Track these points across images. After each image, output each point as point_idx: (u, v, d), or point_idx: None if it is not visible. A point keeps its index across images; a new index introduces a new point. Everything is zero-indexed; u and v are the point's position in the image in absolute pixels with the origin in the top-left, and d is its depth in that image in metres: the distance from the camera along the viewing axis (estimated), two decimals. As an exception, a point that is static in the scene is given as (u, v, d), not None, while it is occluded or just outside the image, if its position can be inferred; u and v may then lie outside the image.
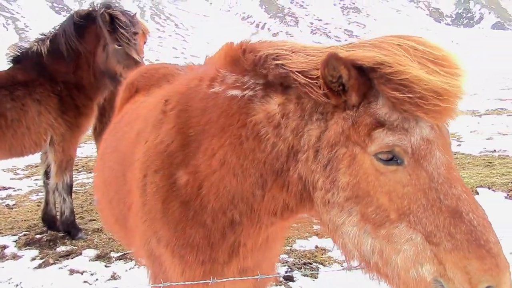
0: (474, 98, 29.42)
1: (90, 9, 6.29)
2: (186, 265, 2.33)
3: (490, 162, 10.06)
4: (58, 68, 6.19)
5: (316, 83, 1.83)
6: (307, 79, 1.85)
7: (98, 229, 6.66)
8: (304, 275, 5.14)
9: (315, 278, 5.13)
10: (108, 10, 6.09)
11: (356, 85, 1.74)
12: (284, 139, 1.98)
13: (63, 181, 6.49)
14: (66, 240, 6.33)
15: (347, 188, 1.78)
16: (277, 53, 2.00)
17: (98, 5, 6.27)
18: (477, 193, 7.67)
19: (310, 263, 5.49)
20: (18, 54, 6.39)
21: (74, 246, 6.13)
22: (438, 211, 1.63)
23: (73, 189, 8.99)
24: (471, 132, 14.72)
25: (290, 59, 1.94)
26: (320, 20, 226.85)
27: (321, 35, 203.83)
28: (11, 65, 6.40)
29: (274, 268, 2.85)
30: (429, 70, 1.66)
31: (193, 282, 2.34)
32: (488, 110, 21.71)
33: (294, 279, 5.07)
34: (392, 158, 1.69)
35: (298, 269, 5.28)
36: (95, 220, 7.08)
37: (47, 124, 6.15)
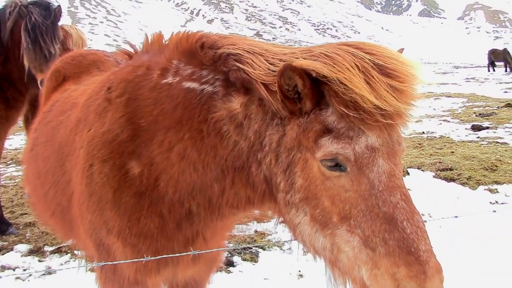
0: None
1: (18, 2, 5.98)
2: (139, 254, 2.30)
3: (420, 144, 10.53)
4: None
5: (276, 95, 1.84)
6: (267, 92, 1.87)
7: (30, 223, 6.40)
8: (244, 260, 5.20)
9: (255, 262, 5.20)
10: (29, 7, 5.83)
11: (310, 93, 1.78)
12: (246, 138, 2.00)
13: None
14: (-5, 236, 6.06)
15: (301, 190, 1.84)
16: (239, 54, 2.00)
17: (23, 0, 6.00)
18: (408, 174, 8.01)
19: (250, 248, 5.55)
20: None
21: (4, 241, 5.87)
22: (375, 217, 1.68)
23: (2, 182, 8.61)
24: (401, 115, 15.28)
25: (252, 65, 1.93)
26: (255, 7, 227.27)
27: (256, 22, 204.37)
28: None
29: (223, 246, 2.89)
30: (376, 86, 1.70)
31: (126, 261, 2.31)
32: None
33: (235, 264, 5.11)
34: (336, 165, 1.74)
35: (238, 253, 5.33)
36: (26, 214, 6.80)
37: None
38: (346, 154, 1.72)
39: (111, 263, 2.38)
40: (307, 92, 1.77)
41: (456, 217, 2.96)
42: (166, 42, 2.40)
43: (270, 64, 1.93)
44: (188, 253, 2.33)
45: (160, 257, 2.29)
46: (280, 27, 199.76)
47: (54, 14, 5.99)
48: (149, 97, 2.24)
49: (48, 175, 2.92)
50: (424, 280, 1.58)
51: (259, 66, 1.92)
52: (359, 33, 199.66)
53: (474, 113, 15.18)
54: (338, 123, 1.75)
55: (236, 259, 5.17)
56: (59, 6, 6.19)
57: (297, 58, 1.85)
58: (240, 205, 2.16)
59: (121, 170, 2.25)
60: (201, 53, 2.12)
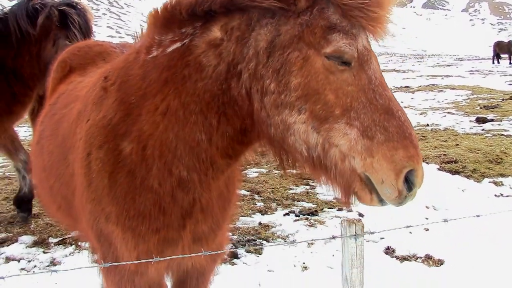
0: (407, 75, 30.45)
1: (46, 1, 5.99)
2: (139, 236, 2.29)
3: (424, 136, 10.49)
4: None
5: None
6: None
7: (34, 214, 6.41)
8: (248, 252, 5.19)
9: (259, 254, 5.19)
10: (62, 8, 5.83)
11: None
12: (226, 55, 1.99)
13: (20, 160, 6.25)
14: (0, 227, 6.06)
15: (298, 88, 1.87)
16: None
17: (57, 1, 6.04)
18: (412, 166, 7.98)
19: (254, 240, 5.54)
20: None
21: (9, 233, 5.88)
22: (374, 108, 1.82)
23: (8, 174, 8.63)
24: (405, 107, 15.25)
25: None
26: None
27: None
28: None
29: (226, 240, 2.85)
30: None
31: (139, 261, 2.31)
32: (420, 86, 22.56)
33: (239, 256, 5.11)
34: (342, 60, 1.84)
35: (242, 246, 5.33)
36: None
37: None
38: (352, 50, 1.84)
39: (123, 263, 2.37)
40: None
41: (478, 216, 2.96)
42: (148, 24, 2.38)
43: None
44: (199, 253, 2.33)
45: (169, 258, 2.28)
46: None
47: (86, 15, 6.09)
48: (138, 74, 2.24)
49: (53, 168, 2.91)
50: (418, 161, 1.81)
51: None
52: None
53: (479, 105, 15.10)
54: (341, 21, 1.85)
55: (240, 251, 5.17)
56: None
57: None
58: (230, 148, 2.14)
59: (114, 152, 2.24)
60: (177, 12, 2.10)
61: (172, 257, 2.27)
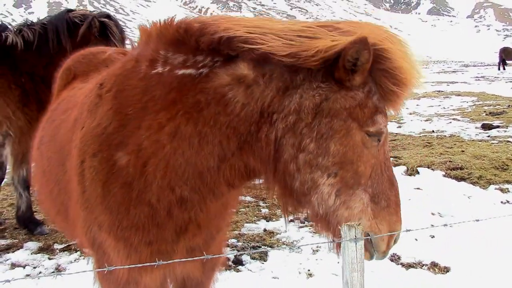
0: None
1: (86, 12, 6.09)
2: (131, 247, 2.27)
3: (429, 143, 10.45)
4: (27, 59, 5.84)
5: (313, 62, 1.93)
6: (302, 61, 1.93)
7: (40, 220, 6.42)
8: (253, 258, 5.18)
9: (264, 261, 5.17)
10: (103, 19, 5.93)
11: (366, 70, 1.95)
12: (260, 98, 2.01)
13: (19, 175, 6.14)
14: (5, 234, 6.08)
15: (336, 155, 1.99)
16: (243, 36, 1.99)
17: (96, 12, 6.13)
18: (418, 173, 7.95)
19: (259, 247, 5.53)
20: None
21: (14, 239, 5.90)
22: (383, 179, 2.07)
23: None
24: (410, 114, 15.25)
25: (267, 43, 1.96)
26: (263, 5, 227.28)
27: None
28: None
29: (221, 250, 2.85)
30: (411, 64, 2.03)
31: (139, 265, 2.29)
32: (426, 92, 22.48)
33: (244, 262, 5.10)
34: (378, 137, 2.04)
35: (247, 252, 5.31)
36: (36, 212, 6.82)
37: (3, 116, 5.77)
38: (384, 129, 2.06)
39: (122, 267, 2.36)
40: (365, 67, 1.94)
41: (478, 220, 2.98)
42: (151, 34, 2.36)
43: (289, 40, 1.97)
44: (189, 259, 2.31)
45: (172, 261, 2.27)
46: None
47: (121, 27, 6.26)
48: (138, 86, 2.21)
49: (52, 174, 2.92)
50: (400, 224, 2.13)
51: (274, 43, 1.97)
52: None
53: (484, 111, 15.04)
54: (380, 102, 2.04)
55: (245, 258, 5.15)
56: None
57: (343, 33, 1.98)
58: (236, 179, 2.18)
59: (108, 162, 2.22)
60: (193, 40, 2.11)
61: (161, 262, 2.24)
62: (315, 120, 1.98)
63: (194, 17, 2.27)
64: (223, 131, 2.06)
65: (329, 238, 2.20)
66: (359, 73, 1.94)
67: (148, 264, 2.23)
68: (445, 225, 2.87)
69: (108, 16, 6.15)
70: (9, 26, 6.19)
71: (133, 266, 2.26)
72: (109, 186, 2.23)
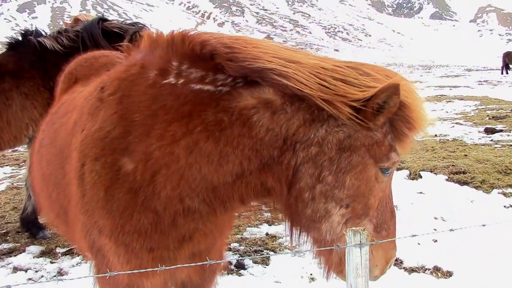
0: (415, 85, 30.29)
1: (123, 26, 6.21)
2: (132, 253, 2.26)
3: (432, 147, 10.43)
4: (58, 63, 5.90)
5: (345, 111, 2.00)
6: (332, 108, 2.00)
7: (42, 225, 6.43)
8: (256, 263, 5.17)
9: (266, 265, 5.16)
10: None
11: (391, 113, 2.05)
12: (284, 125, 2.05)
13: None
14: (8, 237, 6.09)
15: (351, 188, 2.08)
16: (278, 69, 2.01)
17: (134, 23, 6.36)
18: (420, 177, 7.94)
19: (261, 251, 5.52)
20: (18, 40, 6.08)
21: (17, 243, 5.90)
22: (386, 210, 2.22)
23: (15, 184, 8.68)
24: (413, 118, 15.14)
25: (300, 80, 2.00)
26: (266, 10, 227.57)
27: (266, 25, 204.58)
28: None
29: (223, 253, 2.84)
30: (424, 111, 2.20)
31: (139, 271, 2.28)
32: (428, 96, 22.48)
33: (246, 266, 5.09)
34: (388, 171, 2.16)
35: (249, 256, 5.30)
36: (38, 215, 6.83)
37: (30, 119, 5.79)
38: (396, 165, 2.20)
39: (122, 272, 2.33)
40: (390, 111, 2.04)
41: (484, 225, 2.98)
42: (157, 41, 2.36)
43: (323, 80, 2.01)
44: (191, 264, 2.31)
45: (174, 266, 2.26)
46: (291, 30, 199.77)
47: None
48: (147, 93, 2.20)
49: (51, 177, 2.90)
50: (395, 252, 2.30)
51: (308, 81, 2.00)
52: (370, 36, 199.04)
53: (487, 115, 15.01)
54: (393, 141, 2.15)
55: (247, 262, 5.14)
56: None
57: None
58: (249, 197, 2.20)
59: (113, 167, 2.21)
60: (219, 63, 2.11)
61: (163, 268, 2.23)
62: (336, 154, 2.05)
63: (210, 32, 2.29)
64: (245, 153, 2.08)
65: (324, 267, 2.36)
66: (383, 116, 2.04)
67: (150, 269, 2.23)
68: (451, 230, 2.83)
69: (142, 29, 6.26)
70: (43, 33, 6.31)
71: (135, 271, 2.25)
72: (113, 191, 2.21)
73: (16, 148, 12.49)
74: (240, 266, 5.05)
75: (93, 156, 2.26)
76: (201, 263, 2.30)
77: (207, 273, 2.75)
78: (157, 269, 2.21)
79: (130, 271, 2.25)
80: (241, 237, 5.86)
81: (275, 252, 5.48)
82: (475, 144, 10.63)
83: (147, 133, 2.16)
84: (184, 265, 2.32)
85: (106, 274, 2.19)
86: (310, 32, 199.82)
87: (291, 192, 2.12)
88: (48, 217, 3.41)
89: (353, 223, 2.10)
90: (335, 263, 2.23)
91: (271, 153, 2.08)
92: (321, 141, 2.04)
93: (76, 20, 6.67)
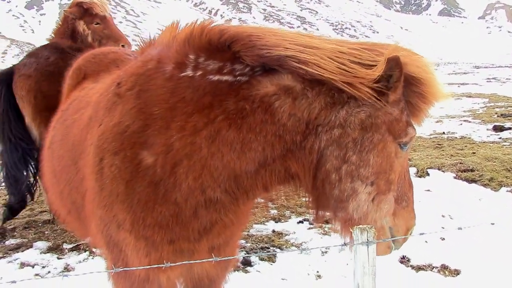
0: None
1: None
2: (153, 246, 2.28)
3: (440, 144, 10.38)
4: None
5: (366, 93, 2.04)
6: (352, 89, 2.03)
7: (49, 220, 6.46)
8: (262, 259, 5.16)
9: (273, 262, 5.15)
10: None
11: (398, 88, 2.07)
12: (306, 109, 2.07)
13: None
14: (15, 233, 6.12)
15: (375, 166, 2.12)
16: (294, 55, 2.04)
17: None
18: (428, 174, 7.89)
19: (268, 248, 5.51)
20: None
21: (24, 238, 5.93)
22: (405, 183, 2.29)
23: (22, 180, 8.70)
24: (421, 115, 15.06)
25: (320, 65, 2.02)
26: (273, 6, 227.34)
27: (274, 21, 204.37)
28: None
29: (236, 249, 2.86)
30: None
31: (150, 267, 2.29)
32: (436, 94, 22.25)
33: (252, 263, 5.08)
34: (406, 146, 2.20)
35: (255, 253, 5.29)
36: (46, 211, 6.86)
37: None
38: (412, 140, 2.25)
39: (134, 268, 2.36)
40: (397, 85, 2.05)
41: (493, 224, 2.94)
42: (174, 36, 2.37)
43: (341, 64, 2.04)
44: (208, 259, 2.32)
45: (178, 263, 2.27)
46: (298, 26, 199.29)
47: None
48: (165, 86, 2.22)
49: (63, 173, 2.92)
50: (415, 220, 2.37)
51: (328, 66, 2.03)
52: (377, 32, 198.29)
53: (496, 113, 14.91)
54: (409, 116, 2.19)
55: (253, 259, 5.13)
56: None
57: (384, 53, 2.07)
58: (273, 184, 2.22)
59: (133, 161, 2.22)
60: (237, 51, 2.12)
61: (181, 263, 2.25)
62: (359, 135, 2.08)
63: (225, 24, 2.30)
64: (268, 139, 2.10)
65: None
66: (394, 91, 2.06)
67: (156, 266, 2.24)
68: (460, 228, 2.81)
69: None
70: None
71: (154, 266, 2.28)
72: (133, 185, 2.23)
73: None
74: (246, 263, 5.04)
75: (112, 151, 2.27)
76: (214, 259, 2.30)
77: (221, 268, 2.78)
78: (178, 263, 2.24)
79: (150, 266, 2.29)
80: (248, 234, 5.85)
81: (281, 249, 5.47)
82: (484, 142, 10.57)
83: (167, 126, 2.17)
84: (203, 260, 2.34)
85: (116, 270, 2.21)
86: (318, 29, 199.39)
87: (317, 175, 2.15)
88: (59, 214, 3.42)
89: (377, 199, 2.16)
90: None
91: (294, 138, 2.10)
92: (343, 123, 2.07)
93: (77, 4, 6.55)
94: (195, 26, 2.29)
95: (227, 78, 2.13)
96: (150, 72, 2.31)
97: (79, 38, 6.43)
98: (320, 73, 2.00)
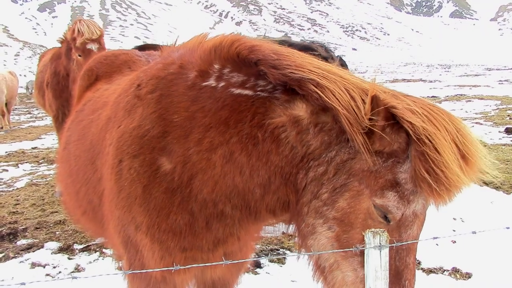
0: (434, 84, 30.05)
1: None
2: (167, 251, 2.31)
3: (451, 146, 10.28)
4: None
5: (362, 128, 1.87)
6: (354, 126, 1.88)
7: (60, 221, 6.50)
8: (271, 261, 5.15)
9: (282, 263, 5.14)
10: (340, 56, 7.22)
11: (379, 133, 1.85)
12: (306, 145, 2.03)
13: None
14: (27, 233, 6.16)
15: (339, 211, 1.96)
16: (314, 80, 1.98)
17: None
18: (439, 177, 7.83)
19: (277, 249, 5.50)
20: None
21: (35, 239, 5.97)
22: (388, 267, 1.90)
23: (34, 181, 8.78)
24: (432, 117, 14.96)
25: (334, 93, 1.94)
26: (284, 9, 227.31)
27: (284, 24, 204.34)
28: None
29: (251, 251, 2.88)
30: (458, 164, 1.82)
31: (160, 269, 2.30)
32: (447, 96, 22.22)
33: (262, 265, 5.07)
34: (384, 215, 1.91)
35: (265, 255, 5.29)
36: (57, 212, 6.91)
37: None
38: (397, 214, 1.89)
39: (144, 271, 2.39)
40: (378, 129, 1.84)
41: (508, 228, 2.88)
42: (200, 42, 2.39)
43: (351, 97, 1.92)
44: (219, 262, 2.32)
45: (191, 266, 2.28)
46: (309, 29, 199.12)
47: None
48: (186, 94, 2.23)
49: (80, 173, 2.94)
50: None
51: (342, 98, 1.92)
52: (388, 34, 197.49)
53: (508, 115, 14.79)
54: (407, 183, 1.88)
55: (263, 260, 5.13)
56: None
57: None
58: (278, 211, 2.19)
59: (151, 166, 2.24)
60: (262, 69, 2.10)
61: (191, 266, 2.26)
62: (336, 175, 1.98)
63: (259, 39, 2.30)
64: (272, 169, 2.09)
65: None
66: (376, 136, 1.86)
67: (171, 268, 2.25)
68: (474, 232, 2.76)
69: (340, 58, 7.32)
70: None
71: (165, 269, 2.30)
72: (151, 189, 2.25)
73: (35, 146, 12.66)
74: (256, 264, 5.04)
75: (131, 153, 2.30)
76: (228, 261, 2.31)
77: (235, 272, 2.81)
78: (188, 266, 2.24)
79: (166, 268, 2.29)
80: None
81: (291, 251, 5.45)
82: (496, 144, 10.49)
83: (186, 136, 2.19)
84: (214, 263, 2.34)
85: (122, 272, 2.21)
86: (328, 31, 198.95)
87: (297, 208, 2.12)
88: (73, 214, 3.44)
89: (339, 254, 1.98)
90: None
91: (291, 170, 2.07)
92: (329, 161, 2.00)
93: (70, 29, 6.82)
94: (226, 37, 2.29)
95: (247, 92, 2.12)
96: (172, 76, 2.32)
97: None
98: (329, 100, 1.92)
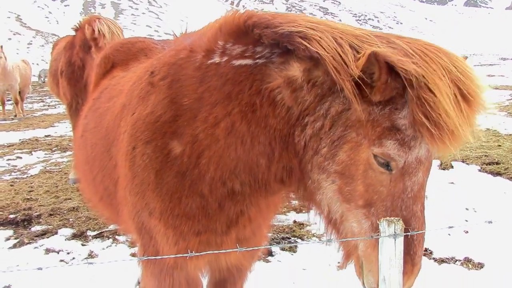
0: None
1: None
2: (181, 235, 2.33)
3: (464, 136, 10.19)
4: None
5: (350, 75, 1.84)
6: (341, 73, 1.85)
7: (74, 208, 6.57)
8: (283, 250, 5.17)
9: (294, 252, 5.16)
10: None
11: (381, 87, 1.80)
12: (301, 102, 2.01)
13: None
14: (41, 220, 6.24)
15: (340, 164, 1.96)
16: (303, 31, 1.97)
17: None
18: (452, 167, 7.79)
19: (289, 238, 5.52)
20: None
21: (49, 225, 6.04)
22: (394, 215, 1.89)
23: (48, 168, 8.87)
24: (445, 107, 14.83)
25: (320, 42, 1.91)
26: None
27: (296, 12, 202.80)
28: None
29: (265, 238, 2.88)
30: (460, 107, 1.77)
31: (175, 256, 2.33)
32: (461, 86, 21.85)
33: (273, 253, 5.10)
34: (385, 163, 1.87)
35: (276, 243, 5.31)
36: (70, 199, 6.98)
37: None
38: (400, 161, 1.85)
39: (158, 257, 2.42)
40: (380, 85, 1.80)
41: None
42: (210, 27, 2.40)
43: (338, 44, 1.89)
44: (233, 249, 2.34)
45: (205, 253, 2.30)
46: (321, 17, 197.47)
47: None
48: (194, 76, 2.24)
49: (96, 160, 2.97)
50: (411, 276, 1.99)
51: (328, 46, 1.89)
52: (401, 23, 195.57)
53: (523, 106, 14.61)
54: (407, 129, 1.83)
55: (274, 249, 5.15)
56: None
57: (374, 46, 1.83)
58: (286, 179, 2.18)
59: (163, 151, 2.26)
60: (257, 32, 2.10)
61: (206, 252, 2.28)
62: (332, 128, 1.96)
63: (262, 11, 2.28)
64: (271, 133, 2.09)
65: (343, 255, 2.19)
66: (377, 89, 1.82)
67: (186, 255, 2.28)
68: (489, 222, 2.73)
69: None
70: None
71: (179, 255, 2.32)
72: (163, 174, 2.27)
73: (48, 134, 12.76)
74: (268, 252, 5.06)
75: (144, 140, 2.32)
76: (242, 249, 2.32)
77: (248, 258, 2.82)
78: (203, 253, 2.27)
79: (180, 255, 2.31)
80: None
81: (302, 239, 5.47)
82: (509, 134, 10.37)
83: (194, 117, 2.21)
84: (228, 250, 2.36)
85: (136, 258, 2.23)
86: (340, 20, 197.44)
87: (301, 168, 2.10)
88: (91, 201, 3.49)
89: (344, 206, 1.99)
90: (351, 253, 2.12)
91: (289, 130, 2.07)
92: (324, 115, 1.98)
93: (90, 21, 6.84)
94: (231, 14, 2.29)
95: (247, 62, 2.12)
96: (182, 61, 2.34)
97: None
98: (316, 50, 1.89)
